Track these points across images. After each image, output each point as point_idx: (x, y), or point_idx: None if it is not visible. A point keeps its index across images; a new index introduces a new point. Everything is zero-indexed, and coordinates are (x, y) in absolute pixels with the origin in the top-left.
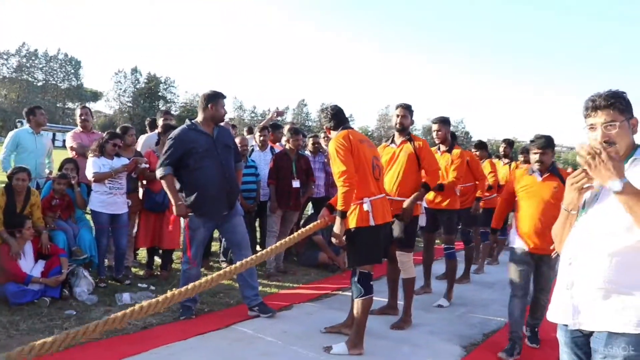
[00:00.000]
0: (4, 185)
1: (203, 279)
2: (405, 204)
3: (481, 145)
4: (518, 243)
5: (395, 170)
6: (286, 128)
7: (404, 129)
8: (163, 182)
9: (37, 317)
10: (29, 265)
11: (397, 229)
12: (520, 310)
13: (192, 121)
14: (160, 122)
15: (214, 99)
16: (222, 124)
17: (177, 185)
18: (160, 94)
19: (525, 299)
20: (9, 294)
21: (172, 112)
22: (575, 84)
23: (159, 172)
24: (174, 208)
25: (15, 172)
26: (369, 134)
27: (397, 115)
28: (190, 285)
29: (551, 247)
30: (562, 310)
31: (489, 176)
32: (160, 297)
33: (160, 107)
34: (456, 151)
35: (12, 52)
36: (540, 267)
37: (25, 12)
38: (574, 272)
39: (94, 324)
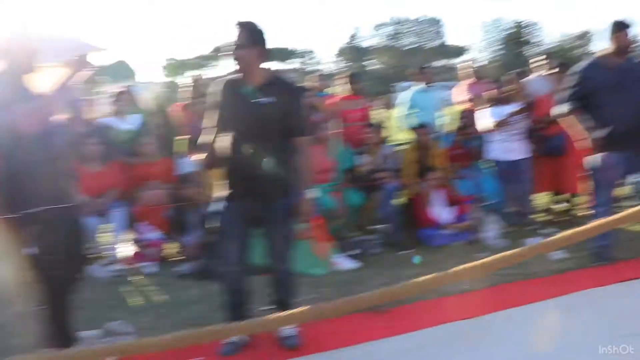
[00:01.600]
0: (411, 142)
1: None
2: None
3: None
4: None
5: None
6: None
7: None
8: (565, 118)
9: (452, 257)
10: (442, 211)
11: None
12: None
13: (597, 55)
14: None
15: (619, 28)
16: None
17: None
18: (526, 39)
19: None
20: (427, 237)
21: (548, 54)
22: None
23: (560, 109)
24: (580, 143)
25: (417, 127)
26: None
27: None
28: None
29: None
30: None
31: None
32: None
33: (529, 51)
34: None
35: (385, 22)
36: None
37: None
38: None
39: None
